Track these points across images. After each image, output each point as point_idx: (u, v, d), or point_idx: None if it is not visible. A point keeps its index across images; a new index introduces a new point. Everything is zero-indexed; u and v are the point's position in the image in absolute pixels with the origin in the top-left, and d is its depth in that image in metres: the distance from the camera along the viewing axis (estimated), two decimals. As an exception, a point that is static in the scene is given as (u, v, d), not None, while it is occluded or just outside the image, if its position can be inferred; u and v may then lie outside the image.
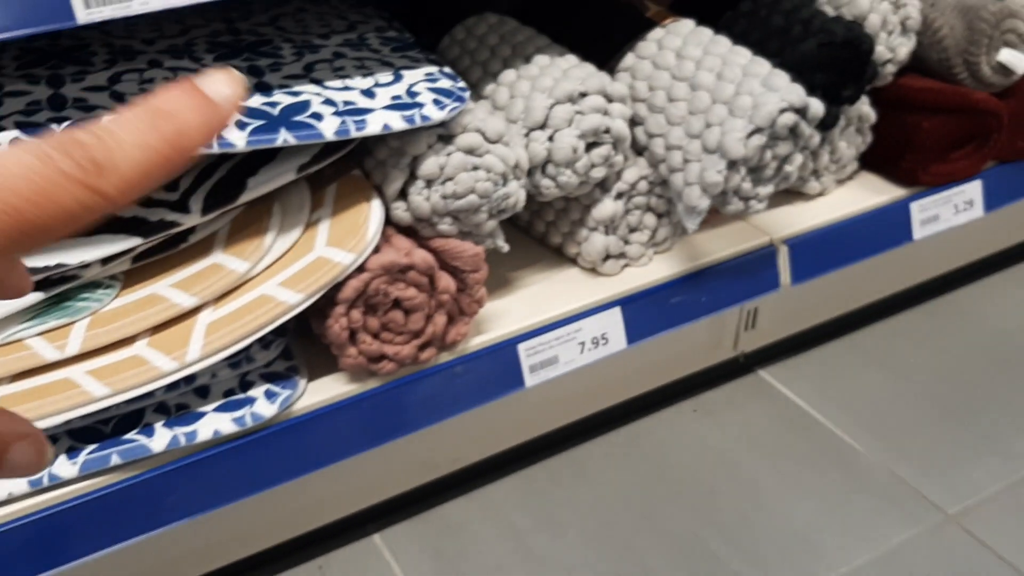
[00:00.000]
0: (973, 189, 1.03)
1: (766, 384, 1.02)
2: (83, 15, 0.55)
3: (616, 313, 0.84)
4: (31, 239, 0.19)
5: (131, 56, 0.73)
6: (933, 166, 0.99)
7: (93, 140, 0.19)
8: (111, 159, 0.19)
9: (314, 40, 0.80)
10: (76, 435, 0.66)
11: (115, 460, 0.66)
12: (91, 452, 0.66)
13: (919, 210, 1.00)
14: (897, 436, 0.94)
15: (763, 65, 0.79)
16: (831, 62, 0.85)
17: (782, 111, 0.76)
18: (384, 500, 0.85)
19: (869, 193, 1.00)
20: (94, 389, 0.62)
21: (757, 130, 0.76)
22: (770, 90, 0.76)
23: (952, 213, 1.02)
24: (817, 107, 0.78)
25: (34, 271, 0.63)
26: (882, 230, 0.99)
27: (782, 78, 0.78)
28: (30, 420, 0.22)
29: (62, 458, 0.65)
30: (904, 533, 0.84)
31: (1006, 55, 0.97)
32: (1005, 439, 0.93)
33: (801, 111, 0.77)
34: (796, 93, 0.77)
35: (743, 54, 0.81)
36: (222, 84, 0.21)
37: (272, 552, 0.82)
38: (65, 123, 0.62)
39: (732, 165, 0.77)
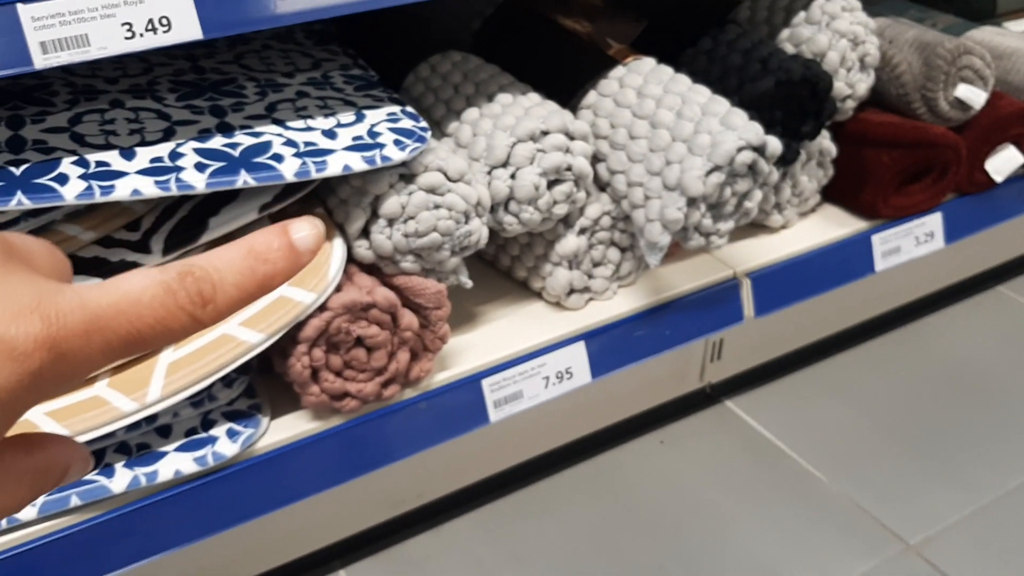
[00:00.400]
0: (934, 221, 1.04)
1: (732, 415, 1.03)
2: (40, 60, 0.55)
3: (580, 347, 0.85)
4: (136, 351, 0.22)
5: (93, 96, 0.74)
6: (893, 199, 1.00)
7: (203, 276, 0.23)
8: (214, 295, 0.23)
9: (278, 79, 0.80)
10: (35, 477, 0.66)
11: (75, 501, 0.66)
12: (50, 493, 0.65)
13: (881, 242, 1.02)
14: (860, 466, 0.95)
15: (722, 104, 0.80)
16: (789, 99, 0.87)
17: (740, 149, 0.77)
18: (349, 536, 0.85)
19: (831, 226, 1.01)
20: (53, 430, 0.62)
21: (716, 168, 0.77)
22: (728, 128, 0.78)
23: (913, 245, 1.04)
24: (775, 145, 0.79)
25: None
26: (844, 262, 1.00)
27: (740, 116, 0.79)
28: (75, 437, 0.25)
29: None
30: (866, 563, 0.84)
31: (963, 91, 0.99)
32: (966, 469, 0.94)
33: (759, 149, 0.78)
34: (754, 131, 0.78)
35: (703, 92, 0.82)
36: (308, 234, 0.24)
37: (236, 589, 0.82)
38: (24, 166, 0.62)
39: (692, 202, 0.78)
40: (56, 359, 0.20)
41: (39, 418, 0.64)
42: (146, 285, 0.22)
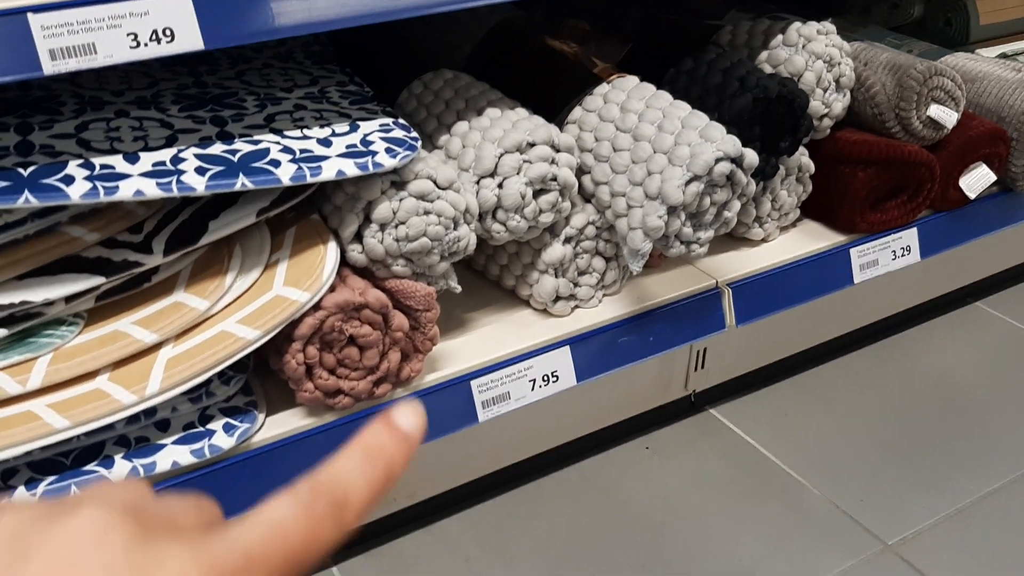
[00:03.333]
0: (910, 236, 1.08)
1: (716, 422, 1.05)
2: (49, 67, 0.59)
3: (566, 352, 0.88)
4: (298, 569, 0.23)
5: (99, 106, 0.77)
6: (869, 215, 1.04)
7: (333, 485, 0.24)
8: (347, 498, 0.24)
9: (277, 93, 0.84)
10: (36, 467, 0.69)
11: (74, 491, 0.68)
12: (50, 484, 0.68)
13: (858, 255, 1.05)
14: (840, 472, 0.98)
15: (701, 118, 0.84)
16: (767, 116, 0.91)
17: (718, 160, 0.80)
18: (341, 536, 0.87)
19: (811, 239, 1.05)
20: (55, 421, 0.65)
21: (695, 178, 0.80)
22: (707, 141, 0.81)
23: (890, 258, 1.07)
24: (752, 157, 0.83)
25: None
26: (824, 274, 1.04)
27: (718, 130, 0.83)
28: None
29: (20, 490, 0.67)
30: (845, 562, 0.87)
31: (935, 111, 1.03)
32: (941, 475, 0.97)
33: (737, 160, 0.82)
34: (731, 143, 0.81)
35: (683, 108, 0.86)
36: (411, 417, 0.26)
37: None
38: (31, 167, 0.65)
39: (672, 211, 0.81)
40: None
41: (41, 409, 0.66)
42: (284, 510, 0.23)
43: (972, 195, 1.09)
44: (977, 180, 1.09)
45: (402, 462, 0.25)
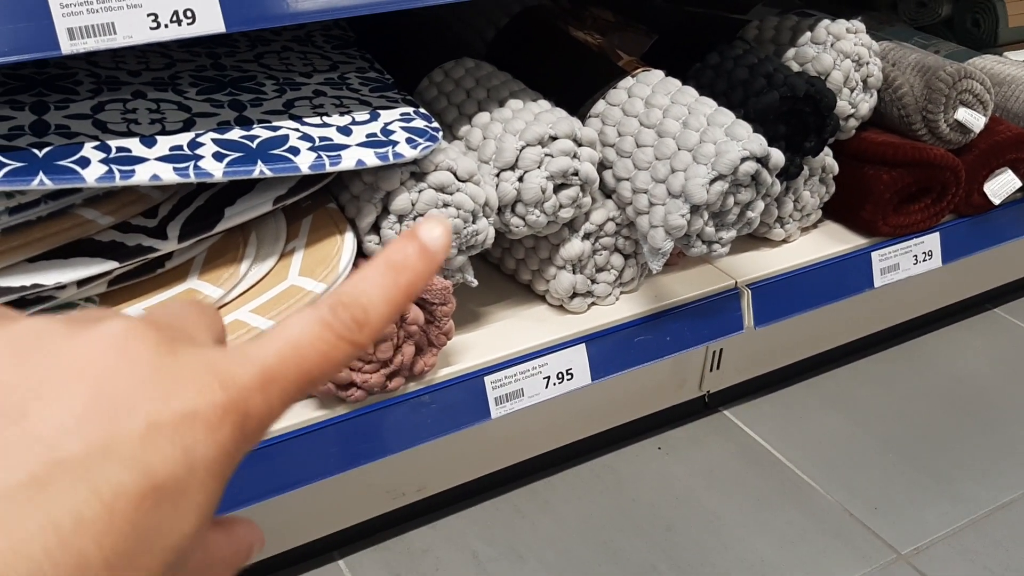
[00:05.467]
0: (932, 240, 1.06)
1: (730, 423, 1.04)
2: (67, 46, 0.57)
3: (581, 350, 0.86)
4: (311, 390, 0.23)
5: (116, 86, 0.76)
6: (892, 217, 1.02)
7: (353, 302, 0.23)
8: (367, 316, 0.23)
9: (296, 78, 0.83)
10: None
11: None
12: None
13: (880, 259, 1.04)
14: (854, 477, 0.96)
15: (727, 115, 0.82)
16: (793, 114, 0.89)
17: (743, 159, 0.79)
18: (350, 526, 0.87)
19: (832, 241, 1.03)
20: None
21: (719, 177, 0.79)
22: (733, 139, 0.80)
23: (912, 263, 1.06)
24: (778, 157, 0.81)
25: (9, 291, 0.64)
26: (844, 277, 1.02)
27: (744, 128, 0.81)
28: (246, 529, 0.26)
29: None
30: (857, 571, 0.85)
31: (963, 114, 1.01)
32: (956, 483, 0.96)
33: (762, 160, 0.80)
34: (758, 143, 0.80)
35: (708, 104, 0.84)
36: (437, 232, 0.25)
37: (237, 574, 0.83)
38: (47, 148, 0.64)
39: (695, 209, 0.80)
40: (243, 420, 0.21)
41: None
42: (303, 327, 0.23)
43: (996, 201, 1.07)
44: (1002, 186, 1.07)
45: (424, 279, 0.24)
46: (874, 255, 1.03)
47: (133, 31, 0.60)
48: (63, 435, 0.19)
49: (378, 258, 0.24)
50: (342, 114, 0.76)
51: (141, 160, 0.65)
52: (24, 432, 0.19)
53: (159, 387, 0.20)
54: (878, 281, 1.04)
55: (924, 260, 1.06)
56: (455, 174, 0.74)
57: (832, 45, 0.95)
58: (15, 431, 0.19)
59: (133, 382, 0.20)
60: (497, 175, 0.79)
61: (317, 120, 0.74)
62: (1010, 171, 1.07)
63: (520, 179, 0.79)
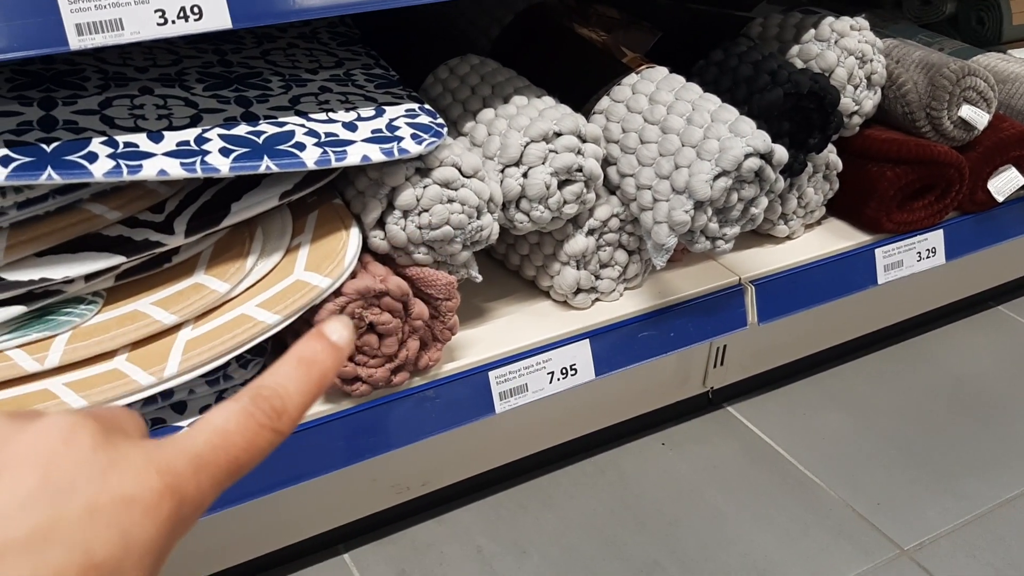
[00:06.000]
0: (936, 238, 1.06)
1: (733, 420, 1.04)
2: (75, 42, 0.58)
3: (585, 345, 0.87)
4: (239, 475, 0.25)
5: (123, 82, 0.76)
6: (896, 214, 1.02)
7: (271, 393, 0.26)
8: (284, 405, 0.26)
9: (302, 74, 0.83)
10: (53, 445, 0.68)
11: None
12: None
13: (883, 256, 1.04)
14: (857, 473, 0.97)
15: (731, 112, 0.83)
16: (797, 111, 0.89)
17: (747, 155, 0.79)
18: (355, 520, 0.87)
19: (835, 238, 1.03)
20: (71, 400, 0.64)
21: (723, 173, 0.79)
22: (737, 135, 0.80)
23: (915, 260, 1.06)
24: (782, 153, 0.81)
25: (18, 285, 0.65)
26: (848, 273, 1.02)
27: (748, 124, 0.81)
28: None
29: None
30: (860, 566, 0.86)
31: (967, 111, 1.01)
32: (960, 480, 0.96)
33: (766, 156, 0.81)
34: (761, 139, 0.80)
35: (712, 100, 0.84)
36: (340, 330, 0.28)
37: (243, 568, 0.83)
38: (55, 143, 0.65)
39: (699, 205, 0.80)
40: (178, 504, 0.23)
41: (58, 388, 0.66)
42: (228, 416, 0.25)
43: (1000, 198, 1.07)
44: (1006, 183, 1.07)
45: (333, 372, 0.27)
46: (878, 252, 1.03)
47: (141, 27, 0.60)
48: (7, 519, 0.21)
49: (290, 354, 0.27)
50: (348, 110, 0.76)
51: (148, 155, 0.65)
52: None
53: (100, 473, 0.22)
54: (882, 278, 1.04)
55: (928, 257, 1.06)
56: (460, 170, 0.74)
57: (836, 42, 0.96)
58: None
59: (76, 467, 0.22)
60: (501, 171, 0.80)
61: (323, 116, 0.75)
62: (1014, 168, 1.07)
63: (524, 175, 0.79)
